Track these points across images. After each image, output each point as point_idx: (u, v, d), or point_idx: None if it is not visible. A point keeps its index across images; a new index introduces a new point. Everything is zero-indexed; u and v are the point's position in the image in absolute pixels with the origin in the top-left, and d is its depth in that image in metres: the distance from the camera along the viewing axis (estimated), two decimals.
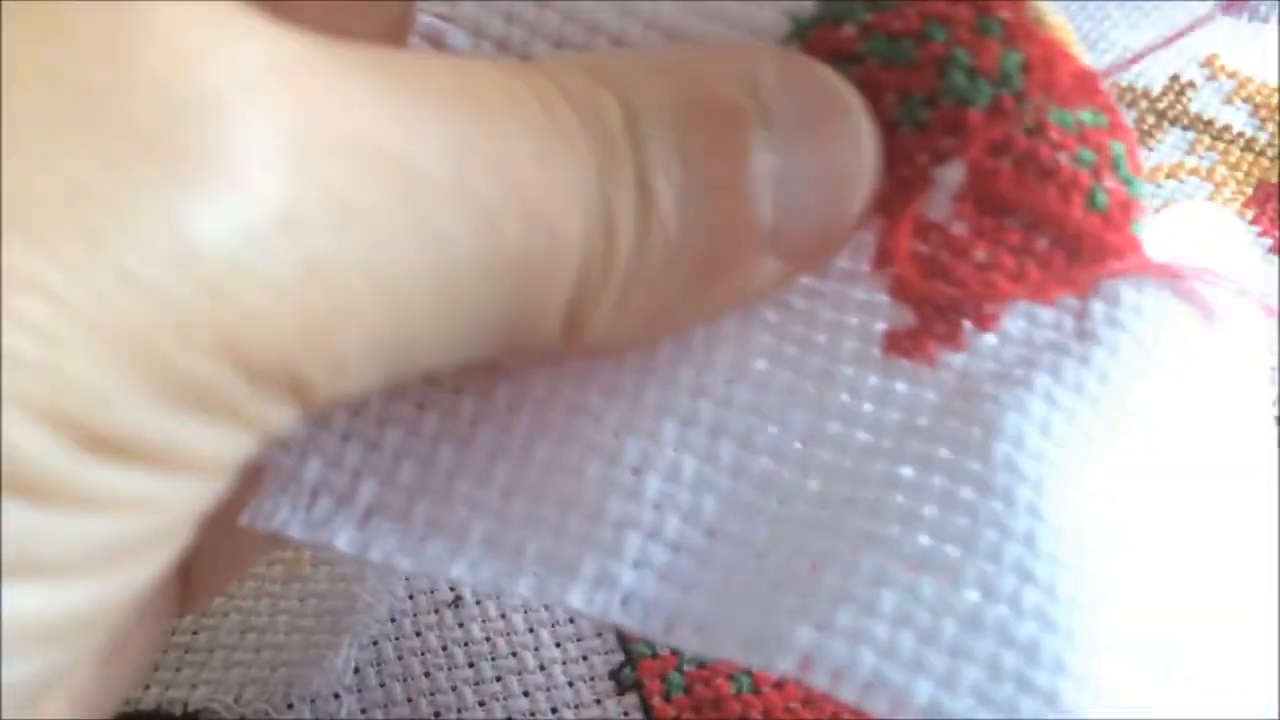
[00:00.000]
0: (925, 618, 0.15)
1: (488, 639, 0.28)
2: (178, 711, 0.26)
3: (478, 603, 0.29)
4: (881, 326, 0.17)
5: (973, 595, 0.15)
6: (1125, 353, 0.17)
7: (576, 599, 0.16)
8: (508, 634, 0.28)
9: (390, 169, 0.13)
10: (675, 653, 0.28)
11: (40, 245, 0.11)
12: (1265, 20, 0.44)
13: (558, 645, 0.28)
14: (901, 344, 0.17)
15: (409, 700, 0.27)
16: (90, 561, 0.12)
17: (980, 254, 0.17)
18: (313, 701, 0.27)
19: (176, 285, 0.12)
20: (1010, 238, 0.17)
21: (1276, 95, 0.42)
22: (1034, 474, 0.16)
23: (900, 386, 0.17)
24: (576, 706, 0.27)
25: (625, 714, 0.27)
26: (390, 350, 0.14)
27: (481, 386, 0.18)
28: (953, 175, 0.17)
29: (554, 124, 0.14)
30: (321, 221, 0.12)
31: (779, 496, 0.17)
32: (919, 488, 0.16)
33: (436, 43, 0.17)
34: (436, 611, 0.29)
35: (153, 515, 0.13)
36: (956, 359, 0.17)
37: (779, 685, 0.27)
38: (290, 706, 0.26)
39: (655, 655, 0.28)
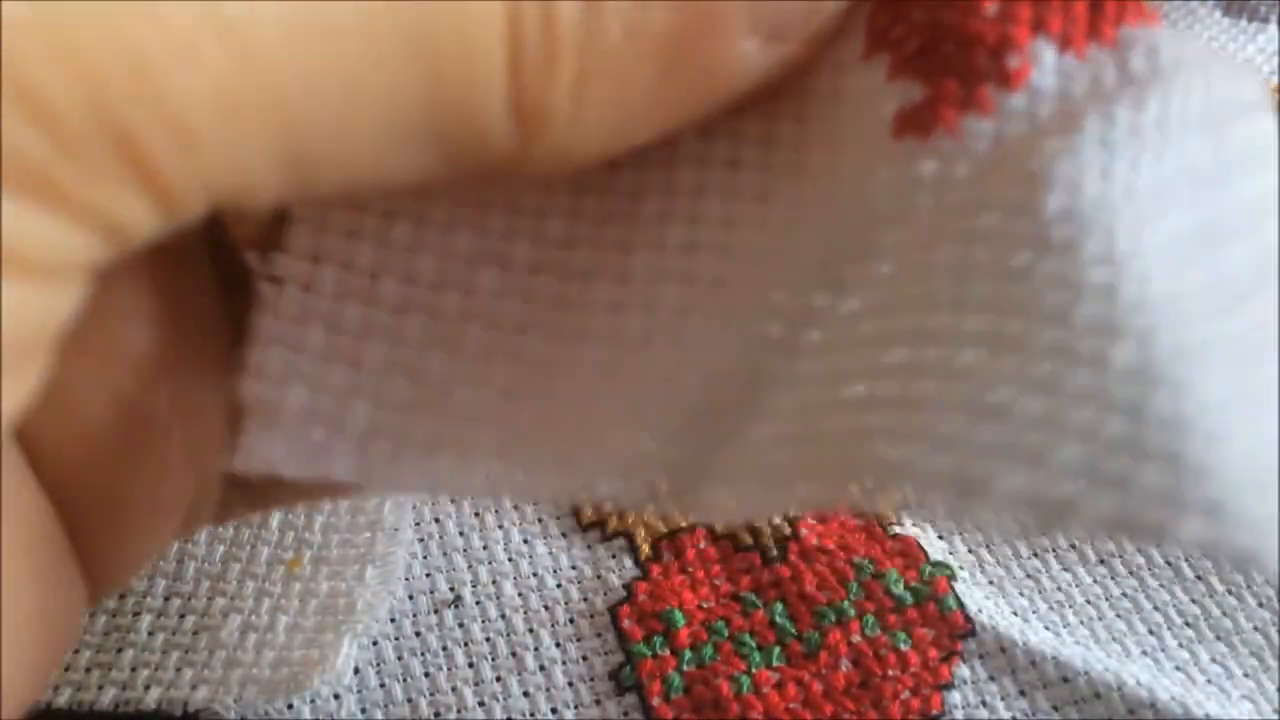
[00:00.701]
0: (994, 403, 0.13)
1: (488, 639, 0.28)
2: (178, 712, 0.26)
3: (478, 603, 0.29)
4: (890, 110, 0.15)
5: (1045, 366, 0.13)
6: (1177, 104, 0.14)
7: (607, 488, 0.15)
8: (508, 634, 0.28)
9: None
10: (675, 653, 0.28)
11: None
12: (1265, 20, 0.44)
13: (558, 645, 0.28)
14: (917, 119, 0.15)
15: (409, 700, 0.27)
16: None
17: (992, 8, 0.15)
18: (313, 701, 0.27)
19: None
20: None
21: (1277, 95, 0.42)
22: (1103, 222, 0.13)
23: (927, 166, 0.15)
24: (576, 706, 0.27)
25: (625, 714, 0.27)
26: (266, 124, 0.12)
27: (462, 277, 0.16)
28: None
29: None
30: None
31: (816, 333, 0.15)
32: (961, 266, 0.14)
33: None
34: (436, 611, 0.29)
35: None
36: (984, 124, 0.15)
37: (779, 686, 0.27)
38: (290, 706, 0.26)
39: (655, 655, 0.28)
